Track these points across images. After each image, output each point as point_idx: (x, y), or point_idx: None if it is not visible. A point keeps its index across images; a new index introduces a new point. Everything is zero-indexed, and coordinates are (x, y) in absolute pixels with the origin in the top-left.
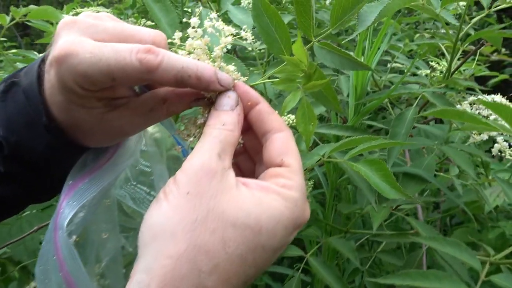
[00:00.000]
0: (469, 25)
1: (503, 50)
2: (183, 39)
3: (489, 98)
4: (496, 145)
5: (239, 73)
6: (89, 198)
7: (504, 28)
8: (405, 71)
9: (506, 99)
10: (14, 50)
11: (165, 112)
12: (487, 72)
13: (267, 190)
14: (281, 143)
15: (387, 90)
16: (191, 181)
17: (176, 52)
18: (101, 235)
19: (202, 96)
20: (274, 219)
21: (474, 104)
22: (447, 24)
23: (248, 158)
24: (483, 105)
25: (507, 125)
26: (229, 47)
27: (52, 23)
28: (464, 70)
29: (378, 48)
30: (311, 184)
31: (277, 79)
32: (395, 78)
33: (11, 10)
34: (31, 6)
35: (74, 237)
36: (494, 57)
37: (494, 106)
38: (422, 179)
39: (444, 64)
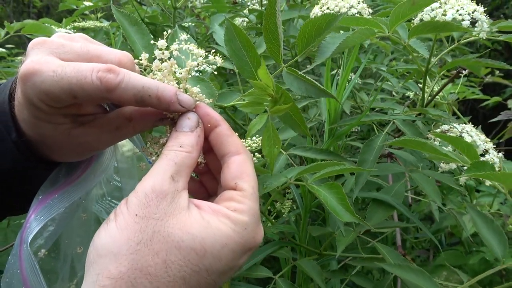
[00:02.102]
0: (442, 53)
1: (497, 72)
2: (151, 60)
3: (460, 127)
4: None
5: (203, 95)
6: (59, 212)
7: (481, 56)
8: (374, 94)
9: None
10: (21, 57)
11: (131, 130)
12: (479, 96)
13: (217, 214)
14: (236, 166)
15: (362, 115)
16: (140, 202)
17: (143, 73)
18: (76, 249)
19: (166, 116)
20: (220, 243)
21: (447, 131)
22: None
23: (213, 178)
24: (439, 138)
25: (465, 157)
26: (198, 68)
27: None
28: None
29: (349, 80)
30: (289, 204)
31: (245, 102)
32: (381, 101)
33: (5, 25)
34: (26, 21)
35: (43, 251)
36: (488, 79)
37: (450, 139)
38: (390, 205)
39: (413, 91)
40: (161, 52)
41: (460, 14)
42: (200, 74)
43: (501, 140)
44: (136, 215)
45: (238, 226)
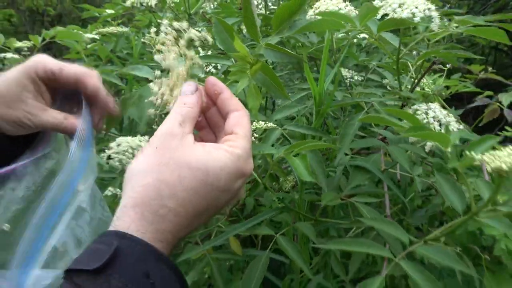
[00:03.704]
0: (410, 46)
1: (490, 69)
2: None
3: (425, 106)
4: (428, 143)
5: (198, 56)
6: None
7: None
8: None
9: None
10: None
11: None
12: (471, 89)
13: (217, 148)
14: (235, 118)
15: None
16: (159, 140)
17: (154, 43)
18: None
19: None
20: (219, 167)
21: (417, 111)
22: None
23: (211, 133)
24: (387, 112)
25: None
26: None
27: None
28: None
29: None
30: (291, 179)
31: (231, 71)
32: (371, 91)
33: (43, 33)
34: (59, 28)
35: None
36: (482, 75)
37: (395, 112)
38: (368, 171)
39: (389, 79)
40: (166, 28)
41: (412, 13)
42: None
43: (480, 124)
44: (156, 147)
45: (233, 156)
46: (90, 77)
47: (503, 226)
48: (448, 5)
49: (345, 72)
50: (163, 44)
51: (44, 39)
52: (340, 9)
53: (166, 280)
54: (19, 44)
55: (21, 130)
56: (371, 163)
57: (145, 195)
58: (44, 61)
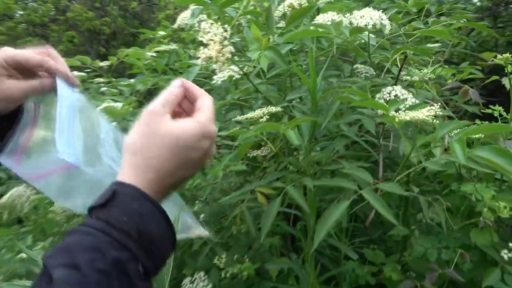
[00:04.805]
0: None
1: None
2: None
3: (390, 88)
4: (378, 111)
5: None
6: None
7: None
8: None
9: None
10: (99, 79)
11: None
12: (476, 75)
13: (186, 120)
14: (200, 100)
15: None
16: (144, 116)
17: (203, 37)
18: None
19: None
20: (187, 132)
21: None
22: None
23: (187, 116)
24: (349, 93)
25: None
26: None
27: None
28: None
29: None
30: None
31: (251, 48)
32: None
33: (118, 53)
34: (128, 50)
35: None
36: (490, 62)
37: (353, 92)
38: (348, 137)
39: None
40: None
41: (367, 22)
42: None
43: (457, 103)
44: (140, 123)
45: (197, 123)
46: (48, 62)
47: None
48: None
49: (360, 67)
50: (210, 39)
51: (118, 59)
52: (333, 20)
53: (150, 213)
54: (101, 63)
55: (6, 104)
56: (350, 131)
57: (135, 158)
58: (11, 53)
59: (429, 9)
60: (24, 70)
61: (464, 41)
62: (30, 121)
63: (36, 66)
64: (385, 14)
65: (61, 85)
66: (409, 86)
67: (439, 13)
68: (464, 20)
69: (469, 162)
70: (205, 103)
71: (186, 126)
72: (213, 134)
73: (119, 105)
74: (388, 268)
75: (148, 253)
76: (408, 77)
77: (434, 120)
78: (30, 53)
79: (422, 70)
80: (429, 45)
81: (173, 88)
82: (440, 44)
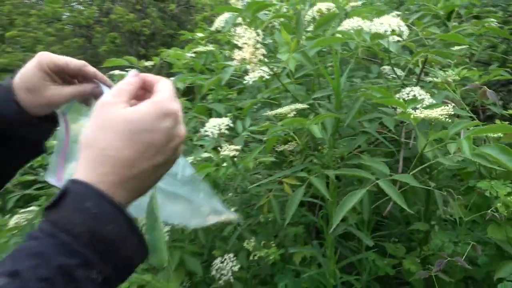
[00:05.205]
0: (405, 42)
1: None
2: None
3: (409, 88)
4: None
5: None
6: None
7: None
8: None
9: None
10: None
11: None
12: (505, 76)
13: (142, 103)
14: (156, 85)
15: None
16: (96, 109)
17: (238, 41)
18: None
19: None
20: (141, 113)
21: (408, 93)
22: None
23: None
24: (373, 91)
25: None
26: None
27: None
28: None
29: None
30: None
31: (281, 50)
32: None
33: (160, 53)
34: (169, 51)
35: None
36: None
37: (374, 89)
38: (369, 134)
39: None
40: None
41: (386, 29)
42: None
43: (475, 104)
44: (92, 117)
45: (153, 103)
46: (88, 66)
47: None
48: None
49: (387, 68)
50: (244, 43)
51: (161, 59)
52: (358, 26)
53: (107, 212)
54: (146, 63)
55: (46, 110)
56: (371, 128)
57: (87, 153)
58: (51, 57)
59: (459, 12)
60: (62, 75)
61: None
62: (64, 136)
63: (75, 70)
64: (408, 19)
65: (105, 88)
66: (432, 87)
67: (471, 15)
68: (491, 23)
69: (475, 157)
70: (163, 85)
71: (139, 109)
72: (174, 112)
73: None
74: (407, 261)
75: (105, 258)
76: (433, 79)
77: (447, 119)
78: (69, 58)
79: (446, 72)
80: (456, 47)
81: (128, 78)
82: (468, 46)
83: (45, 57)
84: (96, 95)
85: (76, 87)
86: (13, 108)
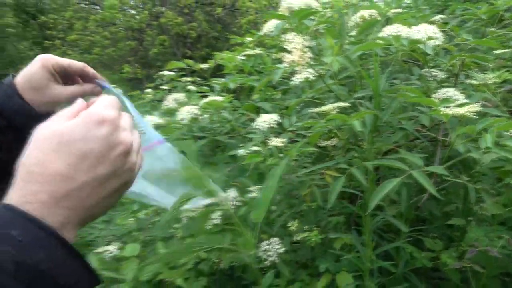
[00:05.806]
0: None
1: None
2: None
3: (445, 90)
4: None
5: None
6: None
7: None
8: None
9: None
10: (186, 78)
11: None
12: None
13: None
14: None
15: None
16: (33, 135)
17: (287, 45)
18: None
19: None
20: (71, 124)
21: (444, 93)
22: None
23: None
24: (406, 91)
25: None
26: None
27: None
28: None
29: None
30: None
31: (324, 53)
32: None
33: (215, 57)
34: (223, 54)
35: None
36: None
37: (408, 89)
38: (406, 130)
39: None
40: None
41: (422, 36)
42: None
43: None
44: (30, 141)
45: (84, 113)
46: (88, 67)
47: None
48: None
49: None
50: (293, 48)
51: (216, 62)
52: (398, 31)
53: (36, 239)
54: (201, 65)
55: (49, 108)
56: (408, 125)
57: (19, 173)
58: (55, 59)
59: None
60: (64, 76)
61: None
62: None
63: (77, 71)
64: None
65: (109, 87)
66: (472, 89)
67: None
68: None
69: (497, 149)
70: (100, 98)
71: (71, 121)
72: (111, 119)
73: (220, 98)
74: (445, 254)
75: None
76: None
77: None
78: (70, 60)
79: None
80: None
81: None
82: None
83: (49, 58)
84: (96, 94)
85: (78, 86)
86: (19, 102)
